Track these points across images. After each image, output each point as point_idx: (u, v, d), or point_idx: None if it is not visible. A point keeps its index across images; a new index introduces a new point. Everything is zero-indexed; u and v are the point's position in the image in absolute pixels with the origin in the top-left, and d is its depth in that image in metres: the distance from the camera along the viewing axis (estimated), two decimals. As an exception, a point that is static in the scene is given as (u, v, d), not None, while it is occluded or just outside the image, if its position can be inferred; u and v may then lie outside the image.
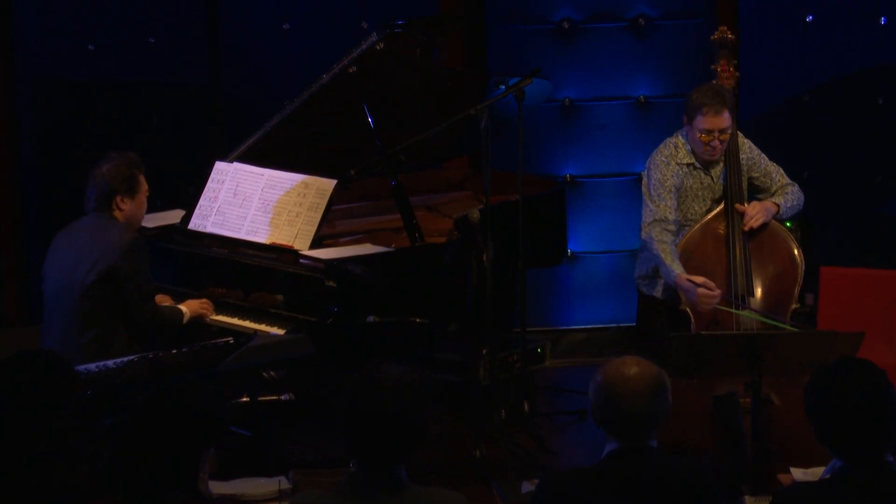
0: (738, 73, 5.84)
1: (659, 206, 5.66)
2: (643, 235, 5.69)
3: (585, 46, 7.45)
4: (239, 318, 5.64)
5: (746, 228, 5.60)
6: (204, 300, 5.69)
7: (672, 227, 5.65)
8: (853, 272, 6.40)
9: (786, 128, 7.37)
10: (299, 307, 5.50)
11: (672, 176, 5.70)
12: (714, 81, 5.77)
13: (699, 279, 5.44)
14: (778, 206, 5.73)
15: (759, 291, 5.58)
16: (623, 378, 3.49)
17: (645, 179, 5.77)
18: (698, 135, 5.64)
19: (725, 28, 5.88)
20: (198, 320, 5.62)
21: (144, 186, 5.50)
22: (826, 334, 4.81)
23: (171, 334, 5.56)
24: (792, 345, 4.77)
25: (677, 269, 5.49)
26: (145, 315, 5.39)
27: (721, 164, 5.76)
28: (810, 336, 5.00)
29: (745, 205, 5.68)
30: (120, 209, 5.44)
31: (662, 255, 5.55)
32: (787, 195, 5.79)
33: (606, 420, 3.51)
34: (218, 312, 5.69)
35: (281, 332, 5.47)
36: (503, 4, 7.48)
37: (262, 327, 5.52)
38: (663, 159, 5.74)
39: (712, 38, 5.85)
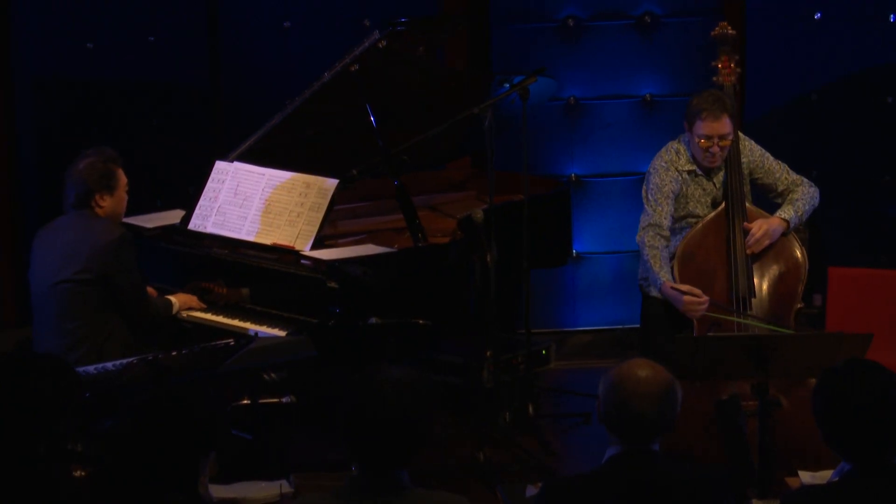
0: (739, 70, 5.85)
1: (655, 211, 5.74)
2: (638, 238, 5.77)
3: (590, 45, 7.41)
4: (239, 319, 5.61)
5: (749, 252, 5.59)
6: (190, 295, 5.67)
7: (666, 233, 5.72)
8: (862, 273, 6.37)
9: (793, 127, 7.35)
10: (300, 308, 5.46)
11: (671, 181, 5.76)
12: (715, 78, 5.80)
13: (684, 287, 5.50)
14: (787, 221, 5.69)
15: (761, 292, 5.57)
16: (635, 379, 3.48)
17: (645, 183, 5.83)
18: (698, 140, 5.70)
19: (726, 24, 5.90)
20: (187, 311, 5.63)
21: (123, 180, 5.47)
22: (834, 336, 4.79)
23: (171, 331, 5.53)
24: (799, 346, 4.75)
25: (664, 276, 5.57)
26: (141, 310, 5.37)
27: (724, 170, 5.75)
28: (818, 338, 4.98)
29: (749, 206, 5.68)
30: (100, 206, 5.42)
31: (651, 262, 5.63)
32: (797, 202, 5.77)
33: (611, 418, 3.49)
34: (217, 313, 5.66)
35: (282, 333, 5.43)
36: (506, 3, 7.44)
37: (263, 328, 5.49)
38: (663, 164, 5.80)
39: (712, 34, 5.88)
